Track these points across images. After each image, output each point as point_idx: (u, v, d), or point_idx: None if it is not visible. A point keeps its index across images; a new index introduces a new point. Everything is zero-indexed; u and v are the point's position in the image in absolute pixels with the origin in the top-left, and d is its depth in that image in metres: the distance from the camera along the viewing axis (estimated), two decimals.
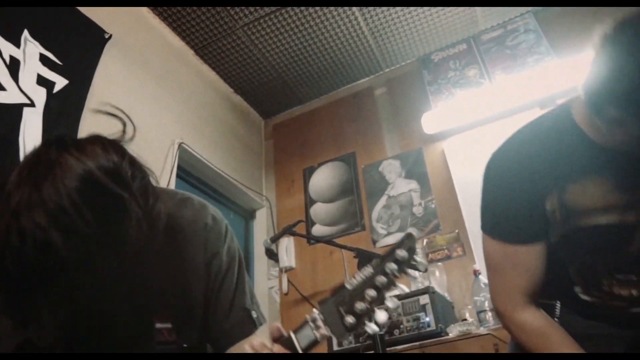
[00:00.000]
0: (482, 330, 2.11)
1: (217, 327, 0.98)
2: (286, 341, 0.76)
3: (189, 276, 0.98)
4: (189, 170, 2.98)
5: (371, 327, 0.72)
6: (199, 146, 2.93)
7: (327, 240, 2.33)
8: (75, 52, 2.18)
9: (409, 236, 0.73)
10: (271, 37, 3.16)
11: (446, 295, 2.52)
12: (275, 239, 2.35)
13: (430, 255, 2.81)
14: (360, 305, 0.71)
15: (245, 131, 3.66)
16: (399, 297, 2.30)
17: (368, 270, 0.73)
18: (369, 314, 0.72)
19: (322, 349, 2.69)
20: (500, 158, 1.10)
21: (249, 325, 1.01)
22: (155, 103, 2.68)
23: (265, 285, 3.25)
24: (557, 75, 2.81)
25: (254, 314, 1.03)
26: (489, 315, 2.18)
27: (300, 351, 0.74)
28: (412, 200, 3.05)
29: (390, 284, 0.71)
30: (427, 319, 2.18)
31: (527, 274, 1.07)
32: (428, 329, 2.15)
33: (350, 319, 0.72)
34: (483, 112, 3.01)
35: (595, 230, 1.01)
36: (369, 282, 0.72)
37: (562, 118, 1.06)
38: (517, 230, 1.07)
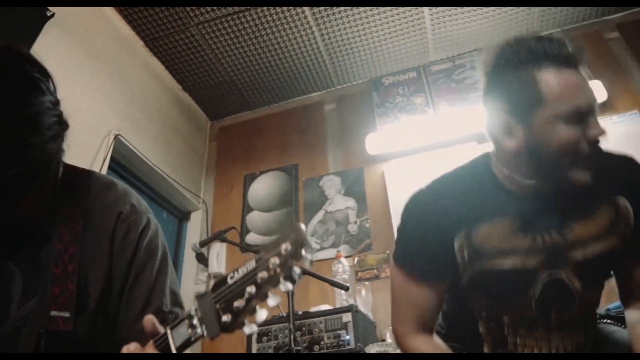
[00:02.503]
0: (399, 351, 2.14)
1: (127, 326, 0.91)
2: (162, 337, 0.71)
3: (87, 263, 0.91)
4: (124, 164, 2.87)
5: (250, 327, 0.66)
6: (137, 140, 2.83)
7: (257, 250, 2.30)
8: (10, 27, 2.04)
9: (296, 228, 0.64)
10: (226, 39, 3.12)
11: (370, 314, 2.55)
12: (204, 244, 2.29)
13: (359, 274, 2.84)
14: (238, 303, 0.65)
15: (190, 130, 3.57)
16: (323, 314, 2.31)
17: (251, 264, 0.66)
18: (247, 313, 0.66)
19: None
20: (420, 197, 1.20)
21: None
22: (94, 90, 2.56)
23: (191, 290, 3.15)
24: None
25: (173, 317, 0.96)
26: None
27: (174, 350, 0.70)
28: (348, 218, 3.08)
29: (273, 281, 0.64)
30: (348, 337, 2.19)
31: (420, 310, 1.18)
32: (347, 347, 2.16)
33: (226, 318, 0.66)
34: (425, 139, 3.10)
35: (499, 274, 1.07)
36: (249, 278, 0.65)
37: (480, 165, 1.18)
38: (422, 267, 1.16)
